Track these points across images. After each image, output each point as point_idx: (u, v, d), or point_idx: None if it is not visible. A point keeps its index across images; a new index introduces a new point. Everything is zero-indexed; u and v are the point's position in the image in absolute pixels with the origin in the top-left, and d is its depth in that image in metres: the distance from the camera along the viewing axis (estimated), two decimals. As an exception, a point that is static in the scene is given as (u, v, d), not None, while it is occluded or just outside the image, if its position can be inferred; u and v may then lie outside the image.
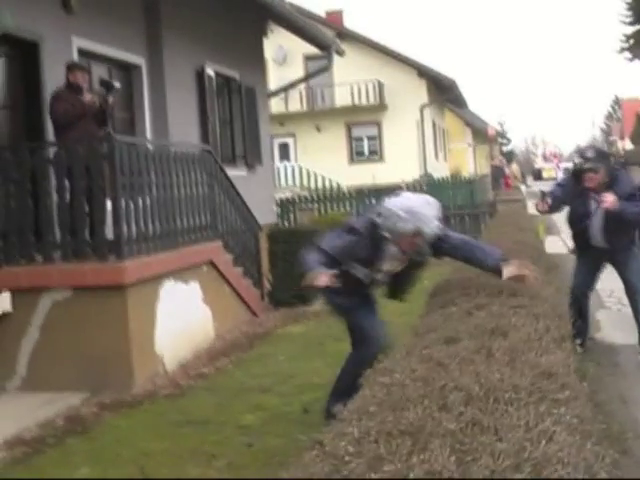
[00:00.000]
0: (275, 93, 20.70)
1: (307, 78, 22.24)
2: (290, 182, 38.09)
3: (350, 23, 46.87)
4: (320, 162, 37.77)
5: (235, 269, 12.49)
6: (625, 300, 9.67)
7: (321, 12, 43.27)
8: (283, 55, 38.92)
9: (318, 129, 40.49)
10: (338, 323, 7.32)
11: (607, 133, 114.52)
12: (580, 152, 9.10)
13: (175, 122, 14.29)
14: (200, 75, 15.65)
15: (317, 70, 21.82)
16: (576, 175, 8.85)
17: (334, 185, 32.23)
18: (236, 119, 17.60)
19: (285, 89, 22.66)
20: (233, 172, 15.93)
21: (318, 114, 40.34)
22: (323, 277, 6.30)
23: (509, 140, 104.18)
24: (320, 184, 35.39)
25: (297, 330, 11.94)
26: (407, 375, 3.81)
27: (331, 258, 6.54)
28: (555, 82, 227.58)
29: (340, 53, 20.64)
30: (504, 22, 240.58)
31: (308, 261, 6.59)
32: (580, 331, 8.61)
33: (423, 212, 6.21)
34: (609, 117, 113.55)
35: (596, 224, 8.78)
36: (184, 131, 14.44)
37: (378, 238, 6.44)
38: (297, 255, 13.44)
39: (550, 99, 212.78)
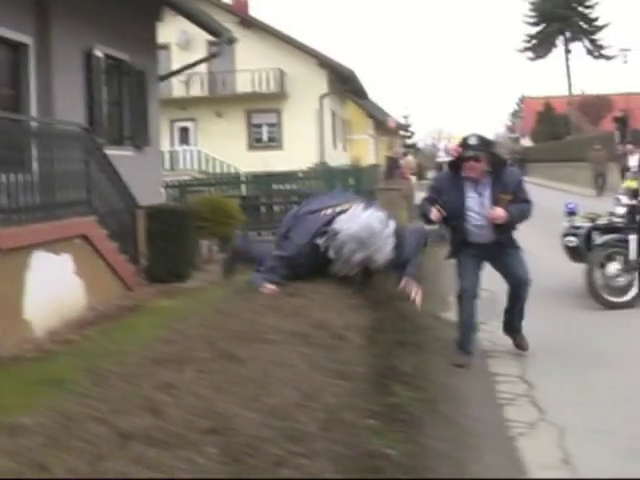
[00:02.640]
0: (166, 77, 21.09)
1: (196, 64, 22.55)
2: (189, 166, 38.48)
3: (256, 11, 47.20)
4: (220, 147, 38.22)
5: (110, 244, 12.95)
6: (483, 285, 9.32)
7: (227, -1, 43.76)
8: (186, 40, 39.14)
9: (219, 114, 40.87)
10: (207, 298, 7.74)
11: (511, 130, 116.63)
12: (463, 140, 8.35)
13: (61, 101, 14.60)
14: (88, 56, 16.00)
15: (207, 57, 22.20)
16: (455, 166, 8.34)
17: (232, 170, 32.69)
18: (125, 101, 17.96)
19: (175, 73, 23.02)
20: (120, 152, 16.42)
21: (219, 100, 40.73)
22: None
23: (412, 133, 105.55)
24: (219, 169, 35.86)
25: (167, 304, 12.46)
26: (199, 323, 4.46)
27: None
28: (464, 78, 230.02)
29: (232, 41, 21.07)
30: (412, 18, 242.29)
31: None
32: (469, 342, 8.51)
33: (374, 240, 5.94)
34: (514, 115, 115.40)
35: (479, 218, 8.22)
36: (70, 111, 14.74)
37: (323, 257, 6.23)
38: (174, 234, 14.16)
39: (459, 95, 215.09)
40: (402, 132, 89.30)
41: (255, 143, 41.34)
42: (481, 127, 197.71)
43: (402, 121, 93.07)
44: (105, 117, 16.72)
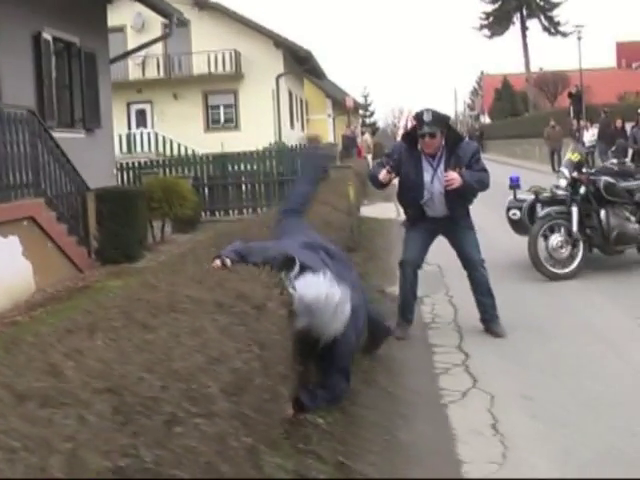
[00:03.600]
0: (116, 59, 21.02)
1: (145, 46, 22.53)
2: (146, 148, 38.38)
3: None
4: (177, 129, 38.16)
5: (59, 226, 13.00)
6: (431, 259, 9.88)
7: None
8: (141, 22, 38.97)
9: (175, 97, 40.78)
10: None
11: (471, 108, 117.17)
12: (417, 116, 8.26)
13: (9, 85, 14.59)
14: (37, 39, 15.98)
15: (156, 38, 22.18)
16: (410, 140, 8.35)
17: (190, 152, 32.63)
18: (75, 84, 17.94)
19: (125, 55, 22.99)
20: (71, 135, 16.44)
21: (175, 82, 40.61)
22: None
23: (372, 112, 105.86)
24: (176, 151, 35.80)
25: (116, 284, 12.51)
26: (121, 295, 4.56)
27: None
28: (424, 57, 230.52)
29: (184, 23, 21.08)
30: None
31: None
32: (410, 310, 8.59)
33: (323, 313, 5.35)
34: (474, 92, 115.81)
35: (435, 192, 8.23)
36: (19, 94, 14.73)
37: None
38: (124, 215, 14.22)
39: (419, 74, 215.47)
40: (361, 111, 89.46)
41: (212, 124, 41.28)
42: (442, 105, 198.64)
43: (362, 100, 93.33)
44: (55, 100, 16.70)
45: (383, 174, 8.15)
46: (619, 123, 29.70)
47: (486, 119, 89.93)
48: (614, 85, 67.84)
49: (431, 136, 8.05)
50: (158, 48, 37.52)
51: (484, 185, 8.31)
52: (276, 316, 4.64)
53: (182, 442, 2.76)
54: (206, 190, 23.75)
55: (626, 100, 54.19)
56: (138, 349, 3.25)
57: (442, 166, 8.18)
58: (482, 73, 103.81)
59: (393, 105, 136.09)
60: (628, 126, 28.35)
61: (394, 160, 8.29)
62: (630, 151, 26.14)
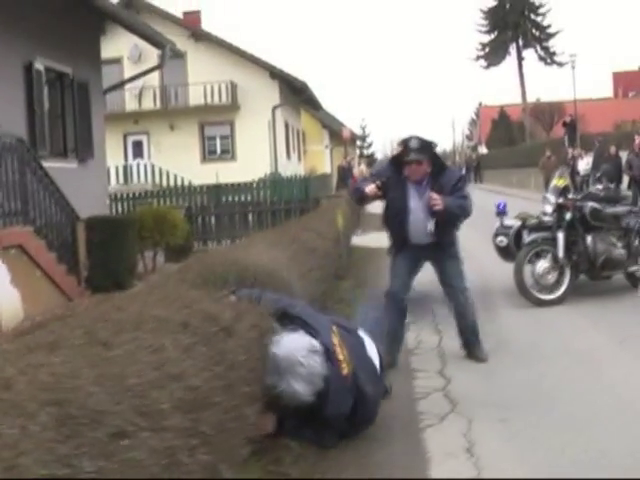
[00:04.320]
0: (110, 89, 21.14)
1: (138, 77, 22.69)
2: (142, 179, 38.43)
3: (208, 24, 47.34)
4: (173, 160, 38.14)
5: (48, 255, 13.02)
6: (419, 285, 9.51)
7: (179, 13, 43.90)
8: (138, 53, 39.14)
9: (172, 128, 40.89)
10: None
11: (469, 138, 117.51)
12: (403, 142, 8.24)
13: (0, 114, 14.63)
14: (28, 69, 16.06)
15: (149, 69, 22.27)
16: (397, 165, 8.29)
17: (185, 183, 32.67)
18: (68, 114, 17.99)
19: (118, 86, 23.09)
20: (63, 165, 16.50)
21: (172, 113, 40.74)
22: None
23: (370, 143, 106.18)
24: (172, 182, 35.87)
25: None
26: (86, 315, 4.58)
27: None
28: (423, 88, 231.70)
29: (177, 53, 21.21)
30: (369, 30, 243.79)
31: None
32: (397, 339, 8.43)
33: (290, 374, 5.34)
34: (472, 123, 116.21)
35: (419, 219, 8.17)
36: (11, 123, 14.69)
37: None
38: (114, 244, 14.25)
39: (418, 105, 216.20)
40: (359, 142, 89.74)
41: (209, 155, 41.39)
42: (440, 136, 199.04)
43: (360, 131, 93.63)
44: (47, 130, 16.75)
45: (371, 187, 8.11)
46: (613, 150, 29.77)
47: (483, 149, 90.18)
48: (610, 114, 68.09)
49: (417, 163, 8.03)
50: (155, 79, 37.75)
51: (465, 211, 8.28)
52: (244, 338, 4.67)
53: (128, 455, 2.78)
54: (199, 220, 23.85)
55: (622, 129, 54.33)
56: (93, 365, 3.28)
57: (427, 193, 8.09)
58: (480, 104, 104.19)
59: (391, 136, 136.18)
60: (623, 154, 28.37)
61: (383, 182, 8.14)
62: (626, 178, 26.19)
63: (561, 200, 11.68)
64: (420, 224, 8.18)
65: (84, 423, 2.74)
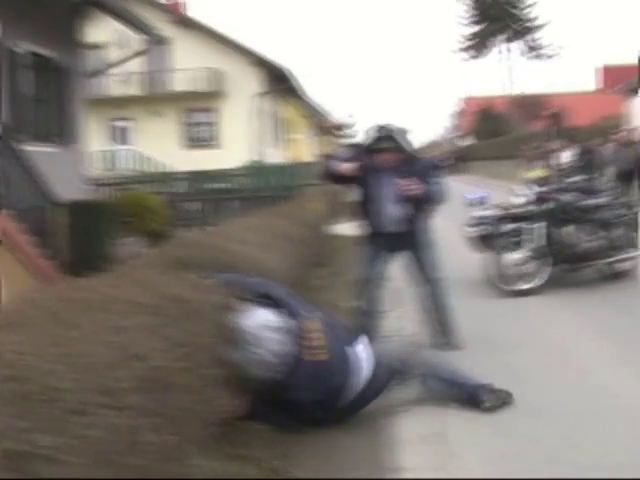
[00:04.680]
0: (92, 75, 21.02)
1: (119, 63, 22.60)
2: (126, 165, 38.41)
3: (193, 11, 47.30)
4: (157, 146, 38.19)
5: (26, 239, 12.97)
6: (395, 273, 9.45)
7: None
8: (124, 39, 38.93)
9: (156, 113, 40.83)
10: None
11: (455, 129, 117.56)
12: (374, 131, 8.21)
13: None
14: (10, 52, 15.99)
15: (131, 55, 22.15)
16: (369, 152, 8.20)
17: (168, 169, 32.66)
18: (50, 98, 17.91)
19: (102, 71, 22.93)
20: (44, 149, 16.44)
21: (156, 99, 40.68)
22: None
23: (356, 132, 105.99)
24: (155, 168, 35.81)
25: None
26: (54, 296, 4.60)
27: None
28: (410, 79, 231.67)
29: (161, 40, 21.11)
30: (357, 21, 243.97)
31: None
32: (372, 325, 8.39)
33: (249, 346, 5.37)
34: (456, 115, 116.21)
35: (390, 207, 8.19)
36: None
37: None
38: (94, 229, 14.24)
39: (404, 95, 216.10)
40: (345, 131, 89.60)
41: (192, 142, 41.36)
42: (426, 126, 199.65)
43: (345, 121, 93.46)
44: (28, 114, 16.68)
45: (349, 166, 8.00)
46: (596, 142, 29.81)
47: (470, 141, 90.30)
48: (596, 108, 68.04)
49: (389, 151, 8.04)
50: (139, 65, 37.62)
51: (440, 196, 8.26)
52: (212, 321, 4.70)
53: (87, 432, 2.81)
54: (182, 206, 23.82)
55: (607, 122, 54.47)
56: (56, 344, 3.30)
57: (397, 181, 8.07)
58: (465, 95, 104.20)
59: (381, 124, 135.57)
60: (607, 147, 28.40)
61: (361, 165, 8.07)
62: (609, 170, 26.21)
63: (540, 191, 11.74)
64: (392, 212, 8.19)
65: (43, 400, 2.76)
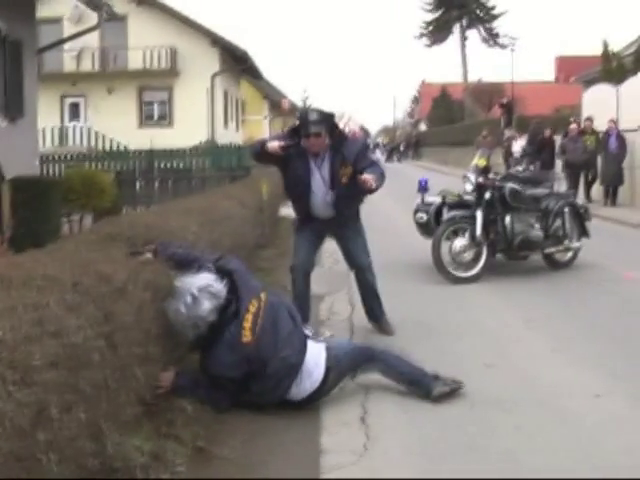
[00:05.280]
0: (45, 49, 20.92)
1: (70, 38, 22.50)
2: (78, 142, 38.14)
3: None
4: (111, 124, 37.80)
5: (-31, 213, 12.91)
6: (339, 256, 9.45)
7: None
8: (78, 15, 38.59)
9: (110, 91, 40.49)
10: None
11: (411, 115, 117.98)
12: (301, 115, 8.20)
13: None
14: (-43, 23, 15.87)
15: (86, 29, 22.04)
16: (295, 137, 8.05)
17: (121, 147, 32.48)
18: (-1, 71, 17.78)
19: (54, 45, 22.75)
20: (-9, 122, 16.31)
21: (110, 76, 40.35)
22: None
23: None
24: (108, 145, 35.58)
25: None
26: None
27: None
28: (365, 62, 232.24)
29: (112, 16, 20.95)
30: (316, 3, 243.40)
31: None
32: (304, 310, 8.18)
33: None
34: (415, 100, 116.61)
35: (320, 192, 8.13)
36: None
37: None
38: (38, 205, 14.17)
39: (359, 78, 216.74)
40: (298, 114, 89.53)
41: (146, 120, 41.10)
42: (381, 111, 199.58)
43: (301, 103, 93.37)
44: (-25, 86, 16.57)
45: (274, 144, 7.87)
46: (547, 133, 30.00)
47: (424, 126, 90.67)
48: (551, 98, 68.48)
49: (316, 135, 7.88)
50: (94, 41, 37.35)
51: (383, 178, 8.08)
52: (137, 299, 4.74)
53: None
54: (133, 185, 23.72)
55: (561, 113, 54.91)
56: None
57: (326, 165, 8.06)
58: (423, 81, 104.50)
59: (333, 109, 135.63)
60: (558, 138, 28.65)
61: (288, 145, 7.92)
62: (559, 162, 26.44)
63: (481, 179, 11.86)
64: (321, 198, 8.15)
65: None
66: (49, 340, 3.48)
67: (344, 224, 8.39)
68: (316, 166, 8.07)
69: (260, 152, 8.09)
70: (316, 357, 6.16)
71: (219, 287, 5.78)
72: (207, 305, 5.62)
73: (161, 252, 6.00)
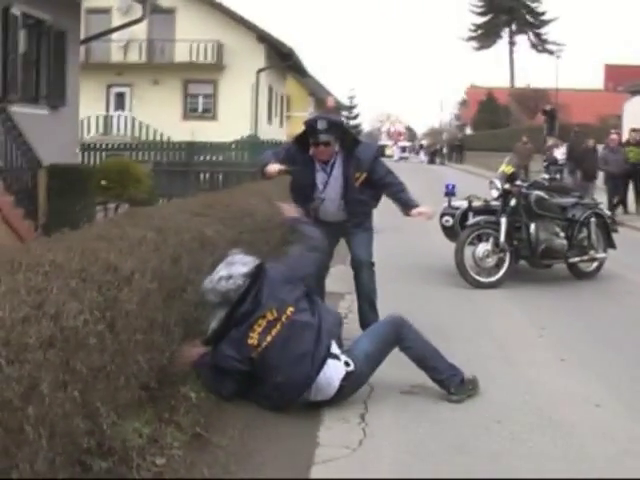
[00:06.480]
0: (89, 39, 21.31)
1: (115, 30, 22.84)
2: (122, 131, 38.56)
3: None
4: (155, 115, 38.16)
5: (6, 198, 13.22)
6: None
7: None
8: (127, 6, 38.99)
9: (155, 82, 40.88)
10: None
11: (458, 118, 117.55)
12: (310, 123, 8.00)
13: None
14: (5, 13, 16.19)
15: (132, 21, 22.36)
16: (302, 142, 8.06)
17: (164, 138, 32.80)
18: (43, 61, 18.12)
19: (98, 36, 23.11)
20: (34, 111, 16.69)
21: (157, 67, 40.72)
22: None
23: (357, 114, 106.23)
24: (151, 136, 35.93)
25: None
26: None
27: None
28: (413, 64, 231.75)
29: (156, 8, 21.27)
30: (365, 3, 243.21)
31: None
32: None
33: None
34: (462, 103, 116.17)
35: (328, 197, 8.15)
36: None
37: None
38: (73, 192, 14.47)
39: (407, 80, 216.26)
40: (345, 112, 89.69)
41: (190, 112, 41.47)
42: (428, 113, 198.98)
43: (347, 102, 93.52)
44: (20, 75, 16.91)
45: (272, 166, 7.82)
46: (590, 143, 29.75)
47: (470, 130, 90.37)
48: (596, 107, 68.07)
49: (326, 145, 7.85)
50: (142, 33, 37.77)
51: (405, 188, 8.30)
52: (142, 288, 4.93)
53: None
54: (171, 176, 23.92)
55: (606, 122, 54.56)
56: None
57: (338, 171, 8.06)
58: (470, 84, 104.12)
59: (379, 109, 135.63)
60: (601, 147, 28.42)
61: (287, 170, 7.93)
62: (601, 173, 26.10)
63: (507, 186, 11.94)
64: (331, 204, 8.17)
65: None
66: (47, 322, 3.67)
67: (353, 225, 8.36)
68: (325, 172, 8.08)
69: (263, 174, 8.08)
70: (330, 378, 6.15)
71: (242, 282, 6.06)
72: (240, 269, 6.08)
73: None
